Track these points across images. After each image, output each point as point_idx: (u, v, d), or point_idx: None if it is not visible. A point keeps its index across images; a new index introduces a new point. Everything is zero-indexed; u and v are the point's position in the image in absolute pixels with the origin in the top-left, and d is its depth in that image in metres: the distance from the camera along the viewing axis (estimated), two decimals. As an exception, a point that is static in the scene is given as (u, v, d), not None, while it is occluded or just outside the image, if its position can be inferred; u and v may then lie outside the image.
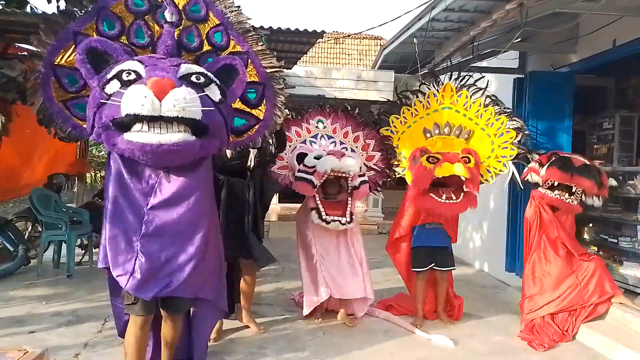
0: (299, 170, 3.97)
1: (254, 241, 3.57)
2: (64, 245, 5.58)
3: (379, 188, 4.42)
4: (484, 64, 5.94)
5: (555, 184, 3.89)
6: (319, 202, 3.98)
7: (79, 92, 2.36)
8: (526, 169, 4.14)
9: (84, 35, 2.36)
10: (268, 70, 2.71)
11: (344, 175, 3.92)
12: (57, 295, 4.59)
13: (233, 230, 3.45)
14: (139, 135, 2.14)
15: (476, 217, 6.77)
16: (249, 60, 2.65)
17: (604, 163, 5.28)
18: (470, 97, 3.95)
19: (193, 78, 2.27)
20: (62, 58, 2.32)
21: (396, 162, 4.21)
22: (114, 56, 2.28)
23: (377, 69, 9.66)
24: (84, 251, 6.04)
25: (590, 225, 5.04)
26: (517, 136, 3.98)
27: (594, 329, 3.77)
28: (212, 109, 2.25)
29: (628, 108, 5.81)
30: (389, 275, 5.67)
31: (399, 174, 4.22)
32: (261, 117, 2.71)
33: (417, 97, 4.12)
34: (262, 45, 2.69)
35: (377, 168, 4.29)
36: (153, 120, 2.11)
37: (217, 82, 2.35)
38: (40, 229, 5.73)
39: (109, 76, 2.20)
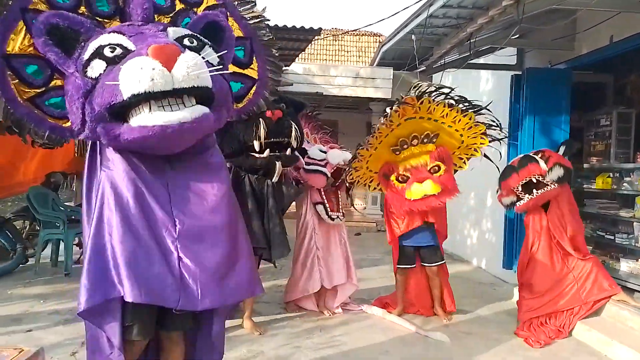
0: (308, 163, 4.06)
1: (274, 237, 3.65)
2: (61, 244, 5.58)
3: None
4: (481, 60, 5.94)
5: (520, 188, 4.00)
6: (324, 197, 4.13)
7: (47, 84, 1.86)
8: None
9: (33, 11, 1.82)
10: (251, 22, 2.35)
11: (342, 167, 4.14)
12: (54, 294, 4.59)
13: (253, 227, 3.55)
14: (154, 117, 1.69)
15: (473, 214, 6.77)
16: (228, 13, 2.27)
17: (601, 160, 5.30)
18: (433, 101, 3.85)
19: (186, 41, 1.87)
20: (14, 46, 1.80)
21: (367, 180, 4.21)
22: (81, 32, 1.83)
23: (375, 66, 9.66)
24: (81, 250, 6.03)
25: (588, 221, 5.04)
26: (487, 128, 3.99)
27: (591, 326, 3.78)
28: (218, 74, 1.86)
29: (626, 104, 5.80)
30: (385, 273, 5.68)
31: (375, 188, 4.27)
32: (256, 77, 2.35)
33: (380, 119, 3.99)
34: None
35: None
36: (164, 96, 1.69)
37: (210, 43, 1.96)
38: (38, 228, 5.73)
39: (85, 56, 1.76)
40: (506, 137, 4.15)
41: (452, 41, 4.71)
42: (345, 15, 38.32)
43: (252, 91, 2.35)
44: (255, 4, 2.39)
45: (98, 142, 1.93)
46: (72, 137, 1.93)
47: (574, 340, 3.79)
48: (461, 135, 4.03)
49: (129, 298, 1.77)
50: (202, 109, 1.79)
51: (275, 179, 3.62)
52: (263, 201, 3.65)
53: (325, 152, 4.12)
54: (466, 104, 3.94)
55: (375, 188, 4.27)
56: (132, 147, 1.83)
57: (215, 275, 1.91)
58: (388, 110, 3.95)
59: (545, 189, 3.93)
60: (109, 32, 1.84)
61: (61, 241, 5.57)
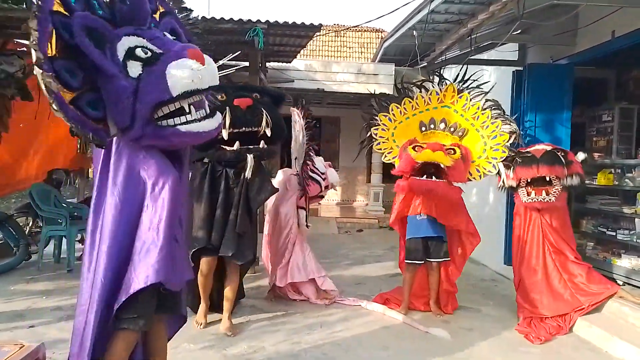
0: (312, 170, 4.37)
1: (238, 238, 3.56)
2: (64, 240, 5.61)
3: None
4: (484, 56, 5.92)
5: (529, 180, 3.94)
6: (305, 206, 4.41)
7: (81, 87, 1.86)
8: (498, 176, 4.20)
9: (56, 13, 1.79)
10: (188, 28, 2.48)
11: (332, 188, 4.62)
12: (57, 290, 4.62)
13: (222, 223, 3.53)
14: (201, 125, 2.00)
15: (475, 211, 6.74)
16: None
17: (603, 156, 5.28)
18: (470, 100, 4.04)
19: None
20: (51, 48, 1.77)
21: (387, 150, 4.27)
22: (107, 34, 1.89)
23: (377, 62, 9.62)
24: (84, 246, 6.05)
25: (589, 218, 5.03)
26: (509, 139, 4.00)
27: (591, 322, 3.78)
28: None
29: (628, 100, 5.78)
30: (388, 270, 5.70)
31: (389, 160, 4.30)
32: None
33: (420, 91, 4.17)
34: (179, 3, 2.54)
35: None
36: (202, 93, 1.97)
37: None
38: (40, 224, 5.76)
39: (121, 57, 1.88)
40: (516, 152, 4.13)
41: (453, 37, 4.71)
42: (347, 11, 38.23)
43: None
44: (192, 11, 2.59)
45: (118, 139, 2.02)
46: (109, 138, 1.98)
47: (575, 336, 3.79)
48: (485, 143, 4.05)
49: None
50: (220, 118, 2.13)
51: (248, 173, 3.47)
52: (232, 198, 3.55)
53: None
54: (498, 111, 3.99)
55: (390, 160, 4.29)
56: (162, 146, 2.04)
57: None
58: (431, 87, 4.13)
59: (555, 191, 3.89)
60: (127, 35, 1.93)
61: (64, 238, 5.59)
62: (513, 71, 5.37)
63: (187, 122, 1.97)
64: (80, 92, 1.85)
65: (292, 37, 5.88)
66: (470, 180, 4.11)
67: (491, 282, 5.48)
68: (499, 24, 4.98)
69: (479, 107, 4.00)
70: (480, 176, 4.11)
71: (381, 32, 15.14)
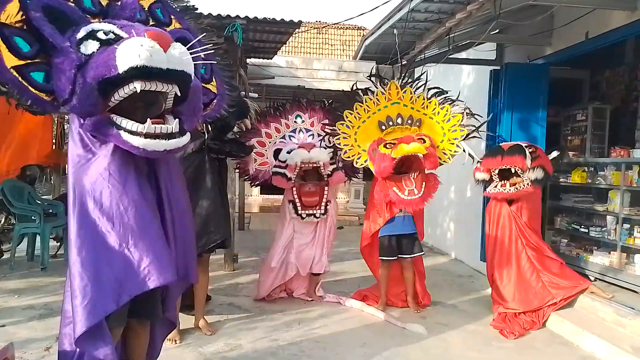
0: (275, 166, 4.25)
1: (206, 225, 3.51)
2: (38, 238, 5.49)
3: (357, 175, 4.71)
4: (463, 55, 5.98)
5: (497, 171, 4.12)
6: (295, 195, 4.22)
7: (33, 58, 1.91)
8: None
9: None
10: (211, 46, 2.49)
11: (314, 165, 4.20)
12: (30, 289, 4.52)
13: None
14: (144, 142, 1.89)
15: (453, 208, 6.85)
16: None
17: (577, 154, 5.39)
18: (415, 92, 4.14)
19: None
20: (5, 17, 1.87)
21: (355, 156, 4.24)
22: (73, 18, 1.95)
23: (358, 59, 9.63)
24: (58, 244, 5.95)
25: (563, 215, 5.13)
26: (463, 118, 4.10)
27: (564, 317, 3.86)
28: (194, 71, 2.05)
29: (601, 100, 5.92)
30: (366, 267, 5.71)
31: (362, 165, 4.27)
32: (215, 92, 2.55)
33: (367, 94, 4.19)
34: (200, 22, 2.57)
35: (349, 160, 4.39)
36: (157, 75, 1.84)
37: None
38: (13, 222, 5.63)
39: (79, 36, 1.88)
40: (483, 124, 4.23)
41: (432, 36, 4.74)
42: (329, 8, 38.16)
43: (213, 103, 2.53)
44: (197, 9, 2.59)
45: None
46: (54, 111, 2.02)
47: (548, 331, 3.87)
48: (442, 127, 4.13)
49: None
50: (185, 140, 2.00)
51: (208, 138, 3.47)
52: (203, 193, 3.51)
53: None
54: (442, 97, 4.08)
55: (362, 165, 4.27)
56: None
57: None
58: (374, 88, 4.13)
59: (520, 185, 4.00)
60: (102, 22, 1.98)
61: (37, 235, 5.47)
62: (491, 70, 5.44)
63: (133, 133, 1.88)
64: (31, 62, 1.90)
65: (272, 33, 5.86)
66: (442, 164, 4.16)
67: (468, 279, 5.55)
68: (477, 23, 5.03)
69: (424, 98, 4.13)
70: (449, 158, 4.18)
71: (363, 29, 15.17)
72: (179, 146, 1.99)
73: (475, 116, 4.14)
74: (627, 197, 4.29)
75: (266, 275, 4.35)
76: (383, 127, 4.12)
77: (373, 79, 4.20)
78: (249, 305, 4.25)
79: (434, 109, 4.13)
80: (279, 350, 3.31)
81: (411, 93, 4.13)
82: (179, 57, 1.88)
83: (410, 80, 4.27)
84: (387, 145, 3.90)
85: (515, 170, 4.02)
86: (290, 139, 4.47)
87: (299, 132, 4.53)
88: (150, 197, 2.04)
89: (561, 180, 5.04)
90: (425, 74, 4.24)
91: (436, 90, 4.17)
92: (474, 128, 4.13)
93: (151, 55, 1.79)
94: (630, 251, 4.21)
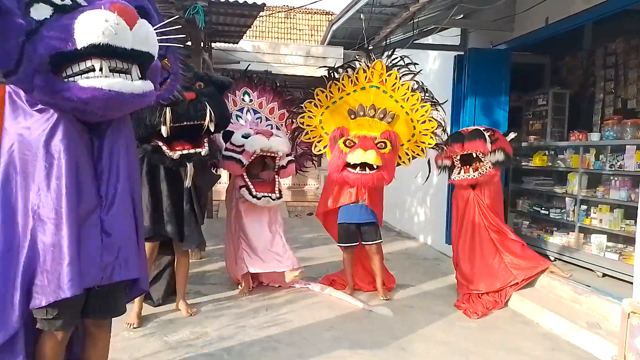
0: (227, 149, 3.92)
1: (188, 222, 3.48)
2: None
3: (303, 168, 4.60)
4: (429, 40, 6.00)
5: (459, 157, 4.17)
6: (247, 180, 3.97)
7: None
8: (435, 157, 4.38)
9: None
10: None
11: (272, 155, 3.97)
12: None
13: (173, 209, 3.41)
14: (110, 81, 1.66)
15: (420, 193, 6.93)
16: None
17: (538, 138, 5.53)
18: (400, 79, 4.02)
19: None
20: None
21: (316, 139, 4.20)
22: None
23: (326, 44, 9.58)
24: None
25: (525, 197, 5.27)
26: (437, 127, 4.10)
27: (524, 296, 3.98)
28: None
29: (561, 85, 6.06)
30: (334, 252, 5.74)
31: (320, 150, 4.25)
32: (169, 70, 2.36)
33: (347, 71, 4.08)
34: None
35: (303, 149, 4.37)
36: (119, 55, 1.68)
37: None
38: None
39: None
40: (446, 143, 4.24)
41: (397, 20, 4.73)
42: (298, -7, 37.72)
43: (166, 82, 2.35)
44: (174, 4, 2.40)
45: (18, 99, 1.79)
46: None
47: (510, 310, 3.99)
48: (414, 127, 4.09)
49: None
50: (151, 85, 1.83)
51: (187, 183, 3.35)
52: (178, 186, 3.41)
53: (247, 138, 3.92)
54: (427, 95, 4.03)
55: (320, 150, 4.23)
56: (66, 107, 1.73)
57: (129, 246, 1.96)
58: (358, 64, 3.96)
59: (482, 168, 4.06)
60: None
61: None
62: (455, 56, 5.49)
63: (92, 77, 1.67)
64: None
65: (236, 16, 5.74)
66: (399, 165, 4.14)
67: (434, 261, 5.65)
68: (441, 8, 5.04)
69: (408, 88, 3.99)
70: (409, 159, 4.18)
71: (331, 14, 15.06)
72: (145, 91, 1.79)
73: (438, 107, 4.13)
74: (584, 179, 4.44)
75: (232, 268, 4.33)
76: (352, 116, 4.01)
77: (363, 59, 4.03)
78: (216, 293, 4.21)
79: (414, 104, 4.03)
80: (245, 337, 3.29)
81: (396, 79, 4.00)
82: (145, 37, 1.73)
83: (400, 62, 4.10)
84: (347, 143, 3.85)
85: (477, 155, 4.09)
86: (237, 119, 4.25)
87: (247, 112, 4.33)
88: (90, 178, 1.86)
89: (523, 163, 5.17)
90: (403, 58, 4.12)
91: (420, 84, 4.08)
92: (441, 143, 4.15)
93: (116, 33, 1.62)
94: (587, 231, 4.36)
